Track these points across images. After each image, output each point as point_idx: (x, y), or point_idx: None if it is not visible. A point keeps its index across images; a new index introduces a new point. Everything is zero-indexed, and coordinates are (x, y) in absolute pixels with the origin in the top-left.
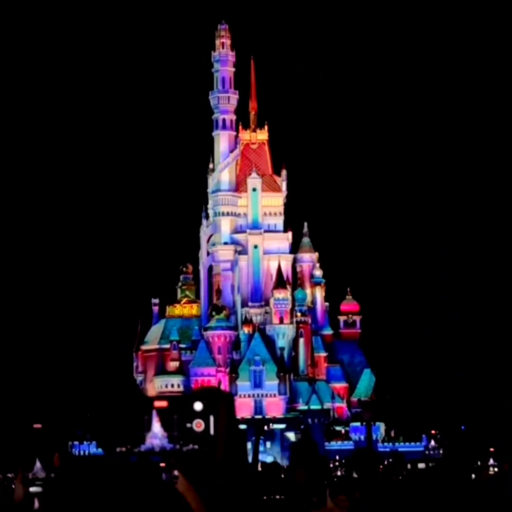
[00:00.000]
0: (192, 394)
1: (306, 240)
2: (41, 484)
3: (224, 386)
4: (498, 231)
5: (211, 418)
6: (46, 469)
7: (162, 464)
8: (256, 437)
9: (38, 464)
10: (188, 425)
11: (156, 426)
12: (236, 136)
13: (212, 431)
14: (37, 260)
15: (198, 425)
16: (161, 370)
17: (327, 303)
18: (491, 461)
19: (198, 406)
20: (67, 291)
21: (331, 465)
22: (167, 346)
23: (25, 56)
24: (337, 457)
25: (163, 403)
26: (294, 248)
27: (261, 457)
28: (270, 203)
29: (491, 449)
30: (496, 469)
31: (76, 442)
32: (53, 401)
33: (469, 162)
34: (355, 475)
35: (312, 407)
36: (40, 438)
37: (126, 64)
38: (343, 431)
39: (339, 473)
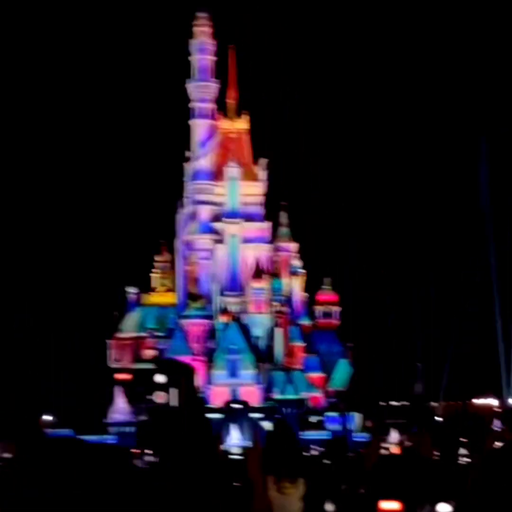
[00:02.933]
0: (153, 367)
1: (284, 230)
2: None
3: (201, 375)
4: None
5: (172, 390)
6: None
7: (135, 450)
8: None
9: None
10: (149, 397)
11: (120, 401)
12: (215, 125)
13: (172, 403)
14: (13, 247)
15: (159, 397)
16: (137, 358)
17: (306, 294)
18: (462, 451)
19: (160, 378)
20: (44, 279)
21: (305, 454)
22: (143, 334)
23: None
24: (311, 446)
25: (125, 376)
26: (273, 237)
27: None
28: (249, 192)
29: (464, 440)
30: (468, 460)
31: (49, 429)
32: (20, 387)
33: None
34: (326, 462)
35: (288, 396)
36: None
37: (103, 51)
38: (315, 420)
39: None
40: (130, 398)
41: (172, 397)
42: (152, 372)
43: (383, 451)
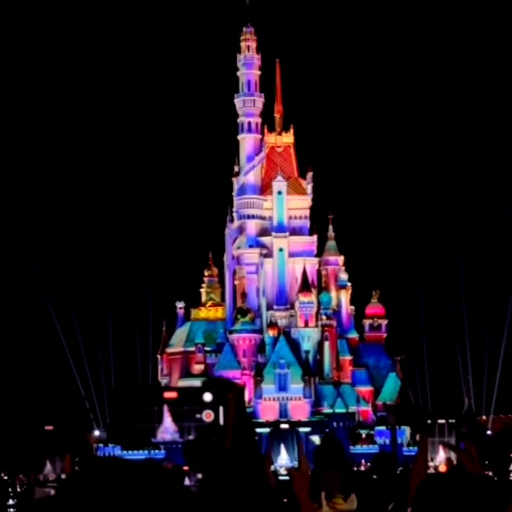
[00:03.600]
0: (201, 385)
1: (331, 243)
2: (53, 486)
3: (249, 389)
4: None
5: (221, 409)
6: (58, 471)
7: (186, 468)
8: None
9: (48, 466)
10: (198, 415)
11: (167, 420)
12: (262, 139)
13: (221, 422)
14: (61, 260)
15: (207, 415)
16: (186, 373)
17: (352, 307)
18: None
19: (207, 397)
20: (92, 293)
21: (355, 469)
22: (192, 349)
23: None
24: (363, 461)
25: (173, 394)
26: (320, 251)
27: (285, 462)
28: (295, 206)
29: None
30: None
31: (100, 445)
32: (69, 404)
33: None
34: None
35: (337, 410)
36: (51, 439)
37: (152, 67)
38: (363, 435)
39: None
40: (177, 416)
41: (221, 416)
42: (199, 390)
43: (431, 470)
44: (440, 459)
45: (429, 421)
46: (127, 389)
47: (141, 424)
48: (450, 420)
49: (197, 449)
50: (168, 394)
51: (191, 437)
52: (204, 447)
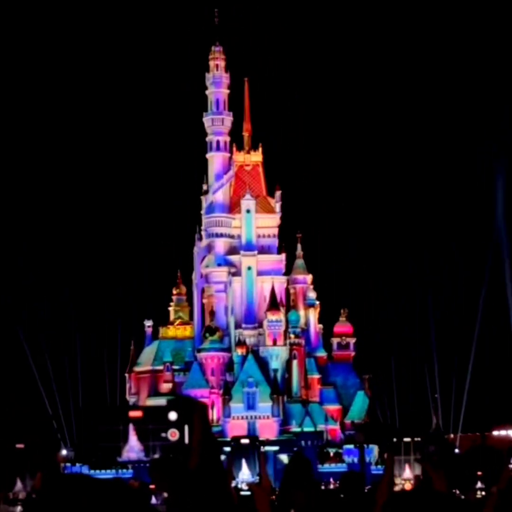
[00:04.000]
0: (166, 404)
1: (300, 261)
2: (22, 504)
3: (217, 408)
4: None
5: (186, 428)
6: (27, 489)
7: (152, 486)
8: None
9: (18, 484)
10: (163, 434)
11: (133, 439)
12: (230, 158)
13: (186, 440)
14: (28, 278)
15: (172, 434)
16: (154, 392)
17: (320, 325)
18: (479, 484)
19: (172, 415)
20: (60, 312)
21: (324, 487)
22: (160, 367)
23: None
24: (331, 480)
25: (138, 413)
26: (288, 269)
27: (246, 477)
28: (264, 224)
29: (479, 473)
30: (483, 493)
31: (68, 464)
32: (40, 422)
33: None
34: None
35: (306, 429)
36: (22, 458)
37: (119, 85)
38: (331, 454)
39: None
40: (142, 435)
41: (186, 435)
42: (165, 409)
43: (397, 487)
44: (406, 477)
45: (395, 440)
46: (93, 408)
47: (107, 443)
48: (415, 438)
49: (162, 468)
50: (134, 413)
51: (156, 456)
52: (170, 466)
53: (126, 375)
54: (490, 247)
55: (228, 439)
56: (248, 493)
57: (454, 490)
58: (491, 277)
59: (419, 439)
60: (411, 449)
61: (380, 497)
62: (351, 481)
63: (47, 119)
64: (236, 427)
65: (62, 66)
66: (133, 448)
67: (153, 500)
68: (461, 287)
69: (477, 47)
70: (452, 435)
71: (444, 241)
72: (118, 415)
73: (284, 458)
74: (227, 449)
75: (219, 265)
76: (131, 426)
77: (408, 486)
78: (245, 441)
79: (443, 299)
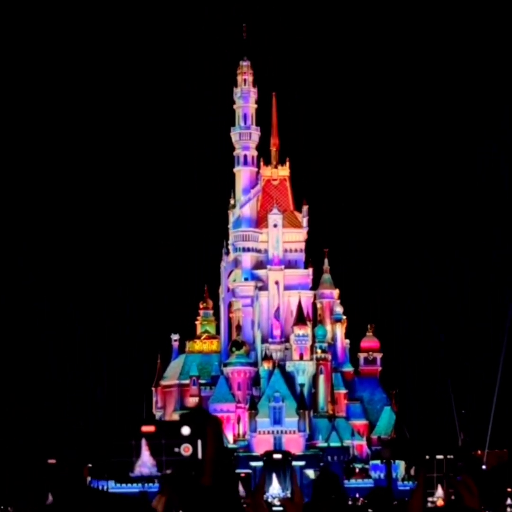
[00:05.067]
0: (179, 418)
1: (326, 276)
2: None
3: (244, 422)
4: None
5: (199, 442)
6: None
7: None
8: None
9: (50, 499)
10: (176, 449)
11: (145, 454)
12: (257, 172)
13: (200, 455)
14: (54, 293)
15: (185, 449)
16: (181, 406)
17: (347, 340)
18: (509, 501)
19: (185, 430)
20: (88, 326)
21: (350, 503)
22: (187, 381)
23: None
24: (357, 495)
25: (150, 428)
26: (315, 284)
27: (276, 492)
28: (291, 239)
29: (509, 489)
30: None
31: (94, 479)
32: (70, 436)
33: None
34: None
35: (332, 444)
36: (54, 473)
37: (150, 100)
38: (357, 469)
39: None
40: (155, 450)
41: (199, 449)
42: (177, 424)
43: (429, 505)
44: (438, 494)
45: (427, 457)
46: (108, 423)
47: (120, 458)
48: (448, 456)
49: (174, 484)
50: (146, 428)
51: (168, 471)
52: (182, 482)
53: (153, 389)
54: None
55: (255, 453)
56: (280, 508)
57: (483, 507)
58: None
59: (451, 456)
60: (443, 466)
61: None
62: (378, 497)
63: (61, 129)
64: (262, 441)
65: (86, 79)
66: (145, 463)
67: None
68: (488, 302)
69: (477, 47)
70: (479, 452)
71: (468, 255)
72: (131, 430)
73: (310, 473)
74: (257, 464)
75: (246, 279)
76: (143, 441)
77: (440, 502)
78: (277, 456)
79: (470, 314)
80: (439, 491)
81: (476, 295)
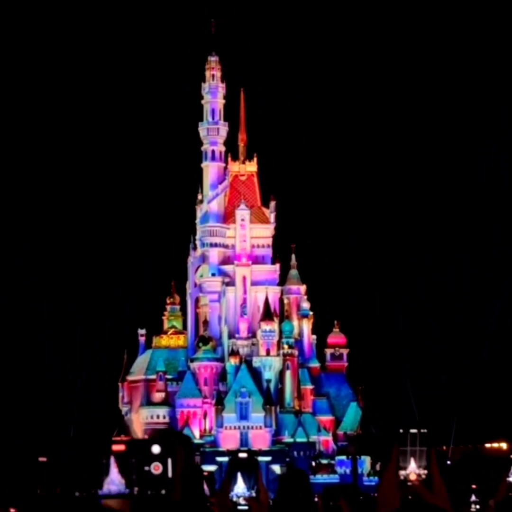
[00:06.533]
0: (149, 437)
1: (294, 272)
2: None
3: (210, 417)
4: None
5: (169, 461)
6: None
7: None
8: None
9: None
10: (146, 468)
11: (114, 472)
12: (225, 168)
13: (170, 474)
14: (30, 286)
15: (156, 468)
16: (147, 401)
17: (314, 336)
18: (473, 498)
19: (155, 449)
20: (54, 321)
21: (316, 499)
22: (153, 376)
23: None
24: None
25: (120, 447)
26: (282, 280)
27: (241, 491)
28: (258, 235)
29: (473, 486)
30: (478, 507)
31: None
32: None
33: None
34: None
35: (298, 439)
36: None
37: (115, 94)
38: (325, 464)
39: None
40: (124, 469)
41: (169, 468)
42: (148, 442)
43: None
44: (411, 469)
45: (401, 431)
46: (78, 440)
47: (89, 475)
48: (422, 430)
49: (144, 504)
50: (116, 447)
51: (136, 489)
52: (152, 501)
53: (119, 384)
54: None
55: (222, 449)
56: (246, 507)
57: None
58: (475, 285)
59: (425, 430)
60: (417, 440)
61: (383, 488)
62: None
63: (45, 122)
64: (228, 437)
65: (59, 70)
66: (114, 480)
67: None
68: (458, 298)
69: (477, 47)
70: (444, 447)
71: (441, 250)
72: (101, 448)
73: (276, 468)
74: (224, 459)
75: (213, 275)
76: (112, 459)
77: (412, 477)
78: (242, 455)
79: (439, 310)
80: (413, 465)
81: (443, 289)
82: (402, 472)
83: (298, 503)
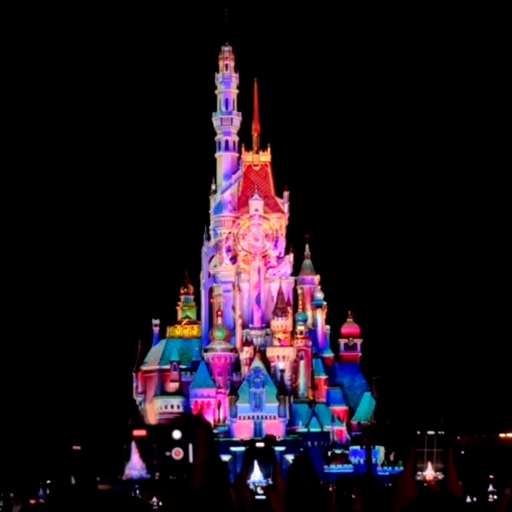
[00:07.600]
0: (170, 423)
1: (307, 262)
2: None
3: (224, 407)
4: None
5: (190, 446)
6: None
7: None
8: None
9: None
10: (167, 453)
11: (135, 457)
12: (239, 158)
13: (191, 459)
14: (39, 275)
15: (177, 453)
16: (161, 391)
17: (328, 326)
18: (491, 488)
19: (176, 434)
20: (69, 314)
21: (330, 488)
22: (167, 367)
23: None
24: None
25: (142, 432)
26: (296, 270)
27: (258, 479)
28: (272, 225)
29: (491, 476)
30: (495, 496)
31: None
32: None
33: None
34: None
35: (312, 429)
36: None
37: (128, 84)
38: (338, 454)
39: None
40: (146, 454)
41: (190, 453)
42: (169, 428)
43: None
44: (428, 470)
45: (418, 432)
46: (98, 427)
47: (110, 461)
48: (439, 432)
49: (166, 489)
50: (137, 432)
51: (157, 474)
52: (174, 486)
53: (133, 374)
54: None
55: (236, 439)
56: (263, 496)
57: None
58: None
59: (442, 432)
60: (434, 442)
61: (401, 490)
62: (364, 484)
63: (53, 118)
64: (242, 427)
65: (70, 66)
66: (135, 466)
67: None
68: (469, 287)
69: (477, 47)
70: (458, 437)
71: (452, 242)
72: (122, 434)
73: (290, 458)
74: (238, 449)
75: (227, 265)
76: (133, 444)
77: (429, 478)
78: (260, 444)
79: (451, 299)
80: (429, 467)
81: (456, 278)
82: (418, 473)
83: (307, 491)
